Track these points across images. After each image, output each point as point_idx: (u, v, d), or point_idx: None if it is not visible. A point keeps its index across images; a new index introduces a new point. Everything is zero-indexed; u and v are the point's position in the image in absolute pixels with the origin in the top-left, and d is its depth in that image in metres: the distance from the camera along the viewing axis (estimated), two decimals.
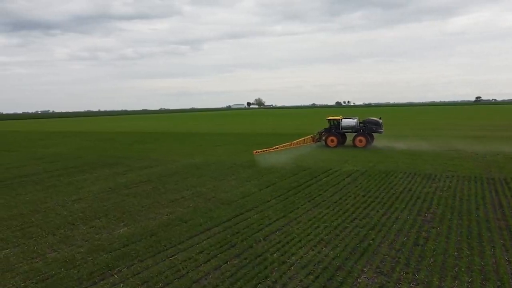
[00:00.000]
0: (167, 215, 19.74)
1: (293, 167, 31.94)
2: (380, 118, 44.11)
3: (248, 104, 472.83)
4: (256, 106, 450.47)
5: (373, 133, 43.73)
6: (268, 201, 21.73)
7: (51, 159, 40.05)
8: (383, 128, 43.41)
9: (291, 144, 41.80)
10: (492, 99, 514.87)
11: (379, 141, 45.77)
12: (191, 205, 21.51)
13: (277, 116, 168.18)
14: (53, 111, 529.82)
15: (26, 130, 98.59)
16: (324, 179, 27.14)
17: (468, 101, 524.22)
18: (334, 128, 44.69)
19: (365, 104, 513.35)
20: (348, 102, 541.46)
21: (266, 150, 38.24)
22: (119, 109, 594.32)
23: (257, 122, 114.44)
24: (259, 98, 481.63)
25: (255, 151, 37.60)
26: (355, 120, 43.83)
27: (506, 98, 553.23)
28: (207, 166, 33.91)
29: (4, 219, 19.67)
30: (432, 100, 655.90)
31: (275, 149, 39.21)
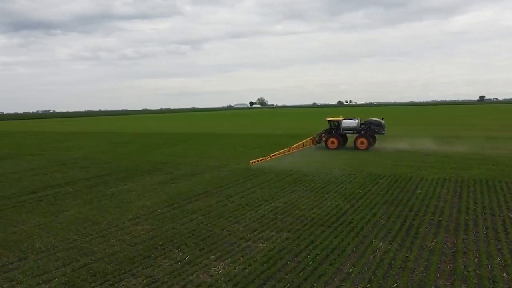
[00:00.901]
0: (263, 243, 15.52)
1: (365, 175, 27.80)
2: (382, 119, 42.29)
3: (251, 103, 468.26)
4: (259, 106, 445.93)
5: (375, 135, 41.84)
6: (376, 222, 17.53)
7: (78, 165, 35.78)
8: (385, 129, 41.63)
9: (289, 149, 38.42)
10: (494, 98, 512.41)
11: (421, 143, 42.23)
12: (283, 226, 17.33)
13: (284, 115, 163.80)
14: (53, 111, 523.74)
15: (36, 131, 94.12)
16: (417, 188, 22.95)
17: (470, 100, 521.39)
18: (335, 129, 42.74)
19: (367, 104, 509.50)
20: (350, 101, 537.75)
21: (263, 159, 34.13)
22: (120, 108, 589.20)
23: (269, 122, 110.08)
24: (261, 97, 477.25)
25: (251, 161, 33.19)
26: (356, 121, 41.97)
27: (507, 97, 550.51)
28: (261, 172, 29.69)
29: (55, 248, 15.46)
30: (433, 99, 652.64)
31: (272, 157, 35.42)
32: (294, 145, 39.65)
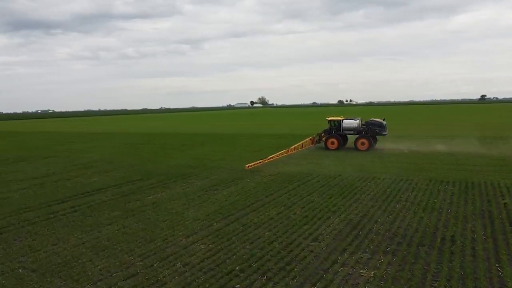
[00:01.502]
0: (364, 269, 12.95)
1: (423, 180, 25.21)
2: (383, 119, 41.20)
3: (252, 103, 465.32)
4: (260, 105, 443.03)
5: (376, 136, 40.80)
6: (484, 241, 14.96)
7: (101, 168, 33.09)
8: (387, 130, 40.54)
9: (287, 150, 36.25)
10: (494, 97, 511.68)
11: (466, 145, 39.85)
12: (375, 246, 14.83)
13: (289, 115, 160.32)
14: (53, 110, 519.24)
15: (42, 131, 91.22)
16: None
17: (470, 99, 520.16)
18: (335, 130, 41.77)
19: (368, 103, 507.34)
20: (351, 100, 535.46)
21: (260, 162, 32.00)
22: (119, 108, 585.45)
23: (281, 122, 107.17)
24: (262, 96, 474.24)
25: (247, 165, 30.92)
26: (357, 121, 41.08)
27: (507, 96, 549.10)
28: (303, 178, 27.09)
29: (113, 275, 13.01)
30: (433, 98, 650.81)
31: (271, 159, 33.35)
32: (293, 146, 37.74)
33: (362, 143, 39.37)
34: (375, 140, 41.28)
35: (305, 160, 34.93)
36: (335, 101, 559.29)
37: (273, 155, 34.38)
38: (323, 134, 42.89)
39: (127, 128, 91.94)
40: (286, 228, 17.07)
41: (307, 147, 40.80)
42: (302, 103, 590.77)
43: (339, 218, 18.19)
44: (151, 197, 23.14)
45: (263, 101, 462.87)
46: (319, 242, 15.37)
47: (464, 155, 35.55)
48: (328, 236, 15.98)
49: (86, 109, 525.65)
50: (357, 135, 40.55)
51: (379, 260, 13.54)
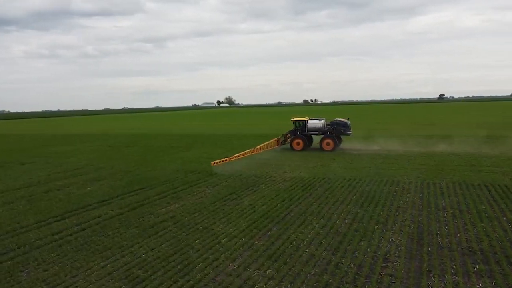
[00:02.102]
0: None
1: (451, 183, 23.83)
2: (348, 119, 41.21)
3: (218, 102, 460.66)
4: (227, 105, 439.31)
5: (341, 136, 41.04)
6: None
7: (91, 175, 29.68)
8: (351, 130, 40.74)
9: (253, 150, 36.09)
10: (451, 97, 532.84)
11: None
12: (462, 266, 12.94)
13: (258, 114, 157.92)
14: (8, 111, 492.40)
15: (7, 133, 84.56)
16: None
17: (429, 98, 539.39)
18: (300, 130, 41.33)
19: (333, 102, 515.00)
20: (316, 100, 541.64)
21: (225, 160, 31.74)
22: (80, 108, 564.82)
23: (255, 121, 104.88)
24: (229, 96, 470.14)
25: (212, 162, 30.46)
26: (322, 121, 40.94)
27: (463, 95, 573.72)
28: (324, 182, 25.09)
29: None
30: (393, 98, 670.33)
31: (236, 158, 32.97)
32: (259, 146, 37.28)
33: (328, 143, 39.31)
34: (340, 140, 41.44)
35: (311, 163, 33.01)
36: (300, 101, 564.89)
37: (239, 153, 33.77)
38: (288, 135, 42.33)
39: (101, 130, 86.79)
40: (341, 245, 15.00)
41: (272, 148, 40.20)
42: (268, 103, 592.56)
43: (394, 231, 16.29)
44: (164, 209, 20.40)
45: (229, 100, 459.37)
46: (392, 263, 13.34)
47: (468, 155, 34.78)
48: (397, 254, 13.99)
49: (44, 110, 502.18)
50: (322, 136, 40.46)
51: (477, 285, 11.63)
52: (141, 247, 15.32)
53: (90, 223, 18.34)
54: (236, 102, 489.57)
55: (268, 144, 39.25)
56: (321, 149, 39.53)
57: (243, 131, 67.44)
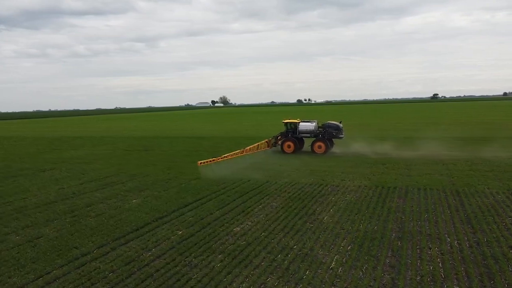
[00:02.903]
0: None
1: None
2: (340, 122, 40.47)
3: (213, 102, 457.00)
4: (221, 105, 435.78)
5: (333, 139, 40.17)
6: None
7: (128, 185, 26.76)
8: (343, 133, 40.02)
9: (242, 151, 34.92)
10: (442, 96, 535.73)
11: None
12: None
13: (259, 114, 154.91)
14: None
15: (9, 135, 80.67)
16: None
17: (421, 98, 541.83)
18: (291, 133, 40.48)
19: (326, 102, 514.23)
20: (309, 100, 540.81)
21: (213, 160, 30.42)
22: (71, 108, 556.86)
23: (264, 121, 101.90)
24: (224, 96, 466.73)
25: (199, 162, 29.24)
26: (314, 123, 40.06)
27: (453, 95, 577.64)
28: (396, 194, 22.51)
29: None
30: (385, 97, 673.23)
31: (225, 158, 31.90)
32: (248, 147, 36.08)
33: (319, 147, 38.51)
34: (332, 143, 40.50)
35: (352, 168, 30.41)
36: (293, 100, 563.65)
37: (227, 154, 32.65)
38: (279, 137, 41.19)
39: (102, 131, 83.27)
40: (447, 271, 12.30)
41: (263, 149, 39.05)
42: (260, 102, 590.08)
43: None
44: (239, 228, 17.63)
45: (224, 100, 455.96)
46: None
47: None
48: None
49: (35, 110, 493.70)
50: (314, 138, 39.58)
51: None
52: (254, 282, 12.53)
53: (162, 248, 15.49)
54: (230, 102, 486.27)
55: (258, 145, 38.07)
56: (312, 152, 38.56)
57: (260, 133, 64.54)
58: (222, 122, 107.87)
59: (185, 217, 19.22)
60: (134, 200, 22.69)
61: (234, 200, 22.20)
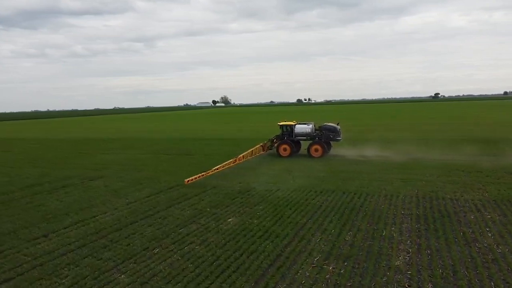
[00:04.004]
0: None
1: None
2: (338, 124, 39.00)
3: (214, 102, 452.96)
4: (223, 105, 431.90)
5: (330, 141, 38.50)
6: None
7: (211, 199, 22.94)
8: (341, 135, 38.41)
9: (235, 160, 32.14)
10: (441, 96, 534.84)
11: None
12: None
13: (265, 114, 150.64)
14: None
15: (21, 137, 76.56)
16: None
17: (421, 97, 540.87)
18: (287, 135, 38.96)
19: (327, 101, 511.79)
20: (309, 99, 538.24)
21: (202, 175, 27.05)
22: (69, 108, 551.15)
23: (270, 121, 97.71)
24: (225, 96, 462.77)
25: (186, 180, 25.82)
26: (311, 126, 38.62)
27: (452, 94, 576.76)
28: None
29: None
30: (384, 97, 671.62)
31: (216, 171, 28.65)
32: (241, 155, 33.54)
33: (316, 150, 36.95)
34: (330, 146, 38.85)
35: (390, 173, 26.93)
36: (292, 100, 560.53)
37: (218, 166, 29.23)
38: (275, 140, 39.49)
39: (115, 132, 79.26)
40: None
41: (257, 154, 37.04)
42: (260, 102, 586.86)
43: None
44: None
45: (225, 100, 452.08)
46: None
47: None
48: None
49: (33, 110, 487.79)
50: (310, 141, 37.94)
51: None
52: None
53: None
54: (231, 102, 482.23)
55: (252, 150, 35.84)
56: (309, 155, 36.88)
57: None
58: (237, 122, 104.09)
59: (319, 239, 15.50)
60: (230, 219, 18.98)
61: (334, 213, 18.46)
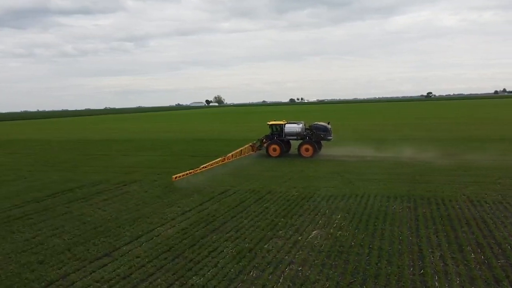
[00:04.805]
0: None
1: None
2: (328, 123, 37.97)
3: (207, 102, 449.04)
4: (216, 104, 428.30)
5: (321, 141, 37.64)
6: None
7: (259, 209, 20.36)
8: (332, 135, 37.51)
9: (224, 159, 31.98)
10: (432, 95, 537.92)
11: None
12: None
13: (264, 113, 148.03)
14: None
15: (26, 138, 72.96)
16: None
17: (412, 96, 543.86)
18: (277, 135, 38.04)
19: (319, 101, 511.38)
20: (302, 99, 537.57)
21: (190, 173, 27.25)
22: (59, 109, 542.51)
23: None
24: (218, 95, 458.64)
25: (174, 176, 25.78)
26: (301, 125, 37.69)
27: (443, 93, 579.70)
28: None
29: None
30: (375, 96, 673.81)
31: (204, 169, 28.58)
32: (230, 154, 33.34)
33: (306, 149, 36.19)
34: (320, 145, 37.93)
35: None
36: (285, 100, 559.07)
37: (206, 164, 29.23)
38: (264, 140, 38.49)
39: (124, 133, 76.13)
40: None
41: (247, 154, 36.45)
42: (252, 102, 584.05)
43: None
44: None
45: (219, 100, 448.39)
46: None
47: None
48: None
49: (23, 110, 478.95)
50: (300, 141, 37.05)
51: None
52: None
53: None
54: (224, 102, 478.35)
55: (242, 150, 35.41)
56: (299, 155, 36.13)
57: None
58: (243, 122, 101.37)
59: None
60: (314, 232, 16.42)
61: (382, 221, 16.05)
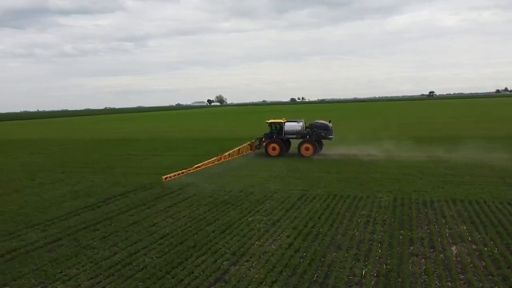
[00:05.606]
0: None
1: None
2: (329, 121, 36.99)
3: (209, 101, 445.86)
4: (218, 104, 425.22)
5: (321, 140, 36.50)
6: None
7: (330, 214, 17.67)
8: (333, 134, 36.38)
9: (220, 158, 31.15)
10: (433, 94, 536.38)
11: None
12: None
13: (269, 112, 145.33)
14: None
15: (35, 138, 70.03)
16: None
17: (413, 96, 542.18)
18: (276, 134, 37.01)
19: (320, 100, 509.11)
20: (303, 98, 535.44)
21: (182, 172, 26.39)
22: (59, 109, 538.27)
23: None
24: (220, 95, 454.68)
25: (164, 176, 24.89)
26: (301, 123, 36.83)
27: (443, 93, 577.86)
28: None
29: None
30: (374, 95, 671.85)
31: (197, 169, 27.72)
32: (227, 153, 32.55)
33: (307, 148, 34.95)
34: (321, 144, 36.66)
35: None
36: (285, 99, 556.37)
37: (200, 163, 28.44)
38: (263, 139, 37.51)
39: (128, 132, 73.17)
40: None
41: (245, 153, 35.80)
42: (252, 102, 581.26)
43: None
44: None
45: (220, 99, 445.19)
46: None
47: None
48: None
49: (23, 111, 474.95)
50: (301, 140, 35.95)
51: None
52: None
53: None
54: (226, 102, 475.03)
55: (240, 149, 34.81)
56: (299, 154, 34.94)
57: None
58: (252, 122, 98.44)
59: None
60: (453, 248, 13.65)
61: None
